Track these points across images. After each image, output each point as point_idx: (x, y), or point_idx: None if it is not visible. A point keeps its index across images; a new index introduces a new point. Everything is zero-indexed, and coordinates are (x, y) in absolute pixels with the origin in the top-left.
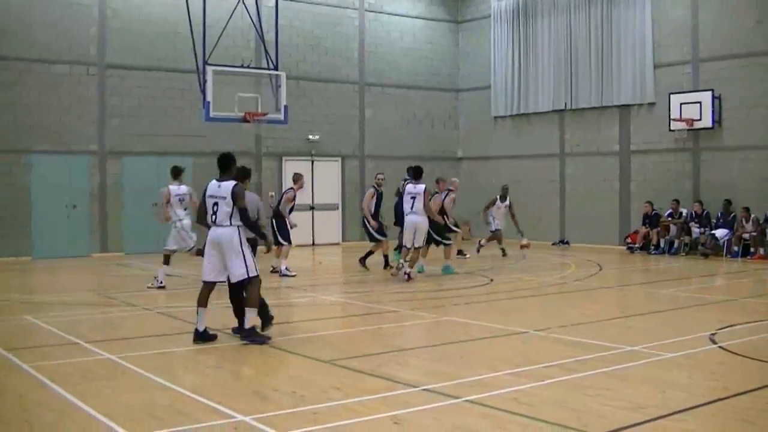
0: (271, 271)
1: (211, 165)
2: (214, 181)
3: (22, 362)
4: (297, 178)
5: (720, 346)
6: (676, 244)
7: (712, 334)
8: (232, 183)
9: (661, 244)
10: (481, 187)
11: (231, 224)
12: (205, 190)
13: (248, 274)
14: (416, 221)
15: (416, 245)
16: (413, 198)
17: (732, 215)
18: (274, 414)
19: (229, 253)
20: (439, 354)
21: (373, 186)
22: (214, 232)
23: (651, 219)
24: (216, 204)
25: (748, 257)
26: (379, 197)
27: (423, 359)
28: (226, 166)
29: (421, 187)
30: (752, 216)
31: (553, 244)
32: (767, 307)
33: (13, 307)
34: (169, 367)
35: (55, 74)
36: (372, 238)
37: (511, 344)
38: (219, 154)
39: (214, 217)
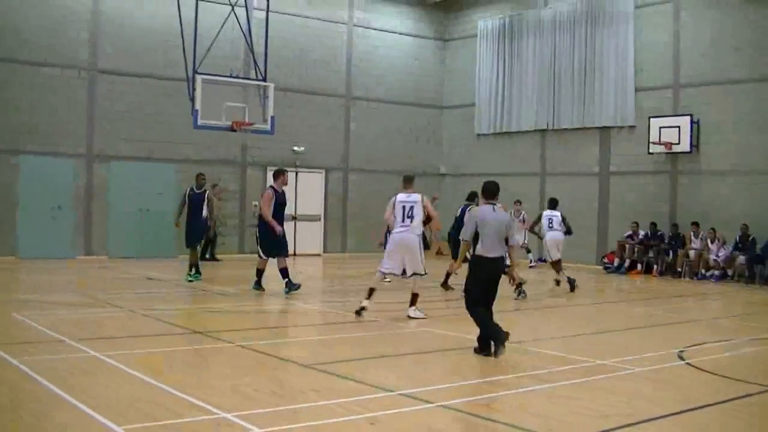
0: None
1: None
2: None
3: (10, 357)
4: (278, 174)
5: (687, 363)
6: (627, 264)
7: (681, 351)
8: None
9: (625, 263)
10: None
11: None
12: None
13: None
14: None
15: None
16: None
17: (750, 238)
18: (255, 412)
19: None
20: (415, 361)
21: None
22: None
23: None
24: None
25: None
26: None
27: (400, 366)
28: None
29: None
30: (717, 238)
31: (531, 262)
32: (735, 326)
33: (0, 304)
34: (153, 365)
35: (45, 76)
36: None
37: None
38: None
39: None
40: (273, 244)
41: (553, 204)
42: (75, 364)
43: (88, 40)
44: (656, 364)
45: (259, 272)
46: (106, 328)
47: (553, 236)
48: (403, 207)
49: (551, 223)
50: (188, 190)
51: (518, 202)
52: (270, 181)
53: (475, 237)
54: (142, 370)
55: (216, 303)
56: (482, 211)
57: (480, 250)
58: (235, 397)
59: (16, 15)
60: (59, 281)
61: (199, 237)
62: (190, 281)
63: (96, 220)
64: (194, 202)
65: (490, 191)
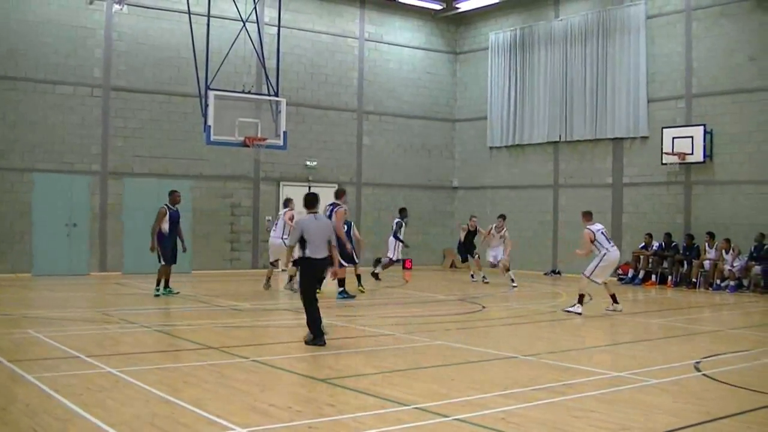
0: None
1: (211, 188)
2: None
3: (26, 373)
4: (342, 192)
5: (704, 374)
6: (642, 275)
7: (698, 363)
8: None
9: (640, 274)
10: (476, 216)
11: None
12: None
13: None
14: None
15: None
16: None
17: (766, 248)
18: (272, 427)
19: None
20: (430, 375)
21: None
22: None
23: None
24: None
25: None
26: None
27: (415, 380)
28: None
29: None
30: (732, 248)
31: (545, 273)
32: (752, 337)
33: (16, 321)
34: (169, 381)
35: (60, 95)
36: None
37: (500, 368)
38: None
39: None
40: (342, 256)
41: (591, 216)
42: (91, 380)
43: (101, 58)
44: (673, 376)
45: (341, 281)
46: (122, 344)
47: (617, 254)
48: None
49: (607, 237)
50: (165, 208)
51: (502, 217)
52: (282, 195)
53: (303, 242)
54: (158, 386)
55: (230, 318)
56: (305, 220)
57: (308, 253)
58: (252, 413)
59: (30, 35)
60: (74, 298)
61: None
62: (158, 296)
63: (110, 236)
64: (175, 219)
65: (310, 202)
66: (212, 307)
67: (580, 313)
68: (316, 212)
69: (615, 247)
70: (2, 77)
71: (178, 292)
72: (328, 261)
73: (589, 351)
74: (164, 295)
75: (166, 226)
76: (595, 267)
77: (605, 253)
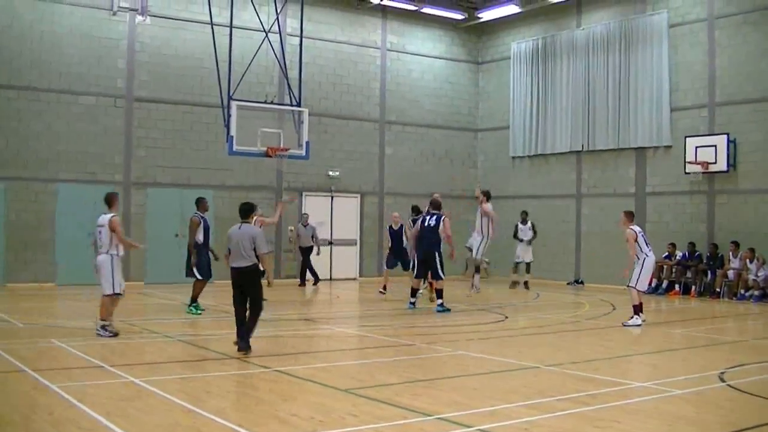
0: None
1: (233, 198)
2: None
3: (50, 382)
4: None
5: (729, 384)
6: (665, 285)
7: (722, 373)
8: None
9: (663, 284)
10: (499, 225)
11: None
12: None
13: None
14: None
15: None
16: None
17: None
18: None
19: None
20: (453, 385)
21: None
22: None
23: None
24: None
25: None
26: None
27: (438, 390)
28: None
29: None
30: (757, 258)
31: (568, 283)
32: None
33: (40, 330)
34: (192, 391)
35: (83, 105)
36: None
37: (523, 378)
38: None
39: None
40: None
41: (633, 217)
42: (114, 390)
43: (124, 69)
44: (697, 386)
45: (414, 291)
46: (145, 354)
47: (654, 259)
48: None
49: (646, 240)
50: (198, 217)
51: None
52: (304, 205)
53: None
54: (181, 396)
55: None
56: (231, 229)
57: (229, 261)
58: (275, 423)
59: (54, 45)
60: (98, 307)
61: None
62: (198, 314)
63: None
64: (207, 228)
65: (242, 211)
66: (232, 316)
67: (639, 325)
68: (247, 222)
69: (652, 252)
70: (26, 88)
71: (203, 311)
72: (250, 269)
73: (613, 361)
74: (191, 312)
75: (200, 236)
76: (639, 275)
77: (645, 258)
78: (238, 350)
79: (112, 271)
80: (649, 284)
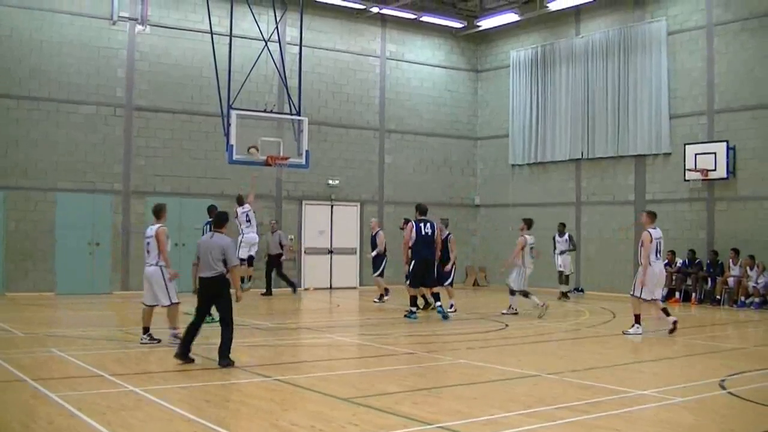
0: None
1: (232, 207)
2: None
3: (50, 392)
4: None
5: (729, 392)
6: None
7: (722, 380)
8: None
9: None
10: (498, 234)
11: None
12: None
13: None
14: None
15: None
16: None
17: None
18: None
19: None
20: (453, 394)
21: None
22: None
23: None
24: None
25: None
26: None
27: (438, 399)
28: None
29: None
30: (757, 265)
31: (568, 291)
32: None
33: (40, 339)
34: (192, 400)
35: (82, 114)
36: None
37: (524, 386)
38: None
39: None
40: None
41: (655, 218)
42: (114, 399)
43: (124, 78)
44: (698, 394)
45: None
46: (144, 363)
47: (658, 268)
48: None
49: (658, 249)
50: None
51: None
52: (304, 213)
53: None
54: (181, 405)
55: (253, 337)
56: (202, 238)
57: (198, 271)
58: None
59: (54, 55)
60: (97, 316)
61: None
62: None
63: (133, 255)
64: None
65: (215, 221)
66: (234, 325)
67: (640, 334)
68: (219, 232)
69: (659, 261)
70: (25, 97)
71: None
72: (217, 280)
73: (612, 369)
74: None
75: None
76: (644, 284)
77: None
78: (176, 357)
79: (165, 283)
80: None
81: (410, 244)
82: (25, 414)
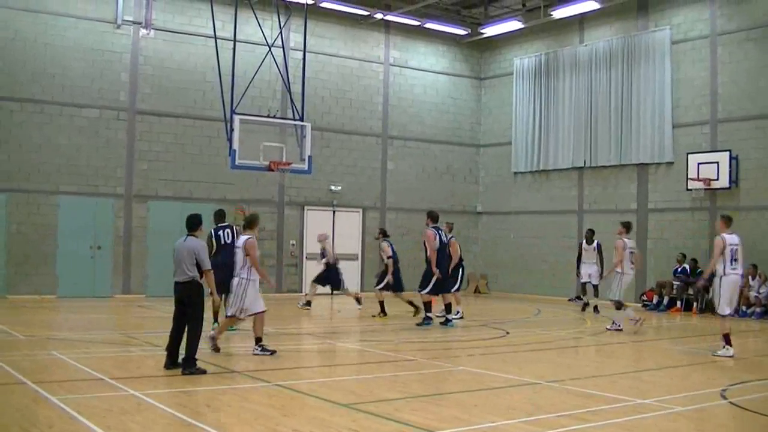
0: None
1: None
2: None
3: (50, 395)
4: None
5: (730, 402)
6: (666, 301)
7: (723, 390)
8: None
9: (665, 301)
10: (500, 241)
11: None
12: None
13: None
14: None
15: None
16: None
17: None
18: None
19: None
20: (453, 401)
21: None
22: None
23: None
24: None
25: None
26: None
27: (438, 405)
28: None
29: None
30: (759, 274)
31: (569, 299)
32: None
33: (40, 342)
34: (192, 405)
35: (85, 118)
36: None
37: (524, 394)
38: None
39: None
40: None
41: (730, 223)
42: (114, 402)
43: (127, 82)
44: (699, 403)
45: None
46: (145, 367)
47: (734, 278)
48: None
49: (734, 256)
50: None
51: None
52: (306, 219)
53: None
54: (181, 409)
55: (253, 342)
56: (177, 241)
57: (173, 275)
58: None
59: (57, 58)
60: (98, 320)
61: None
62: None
63: (134, 259)
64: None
65: (188, 224)
66: (235, 331)
67: (731, 356)
68: (193, 235)
69: (737, 270)
70: (29, 100)
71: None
72: (189, 284)
73: (613, 377)
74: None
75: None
76: (719, 297)
77: (722, 277)
78: (165, 367)
79: (240, 295)
80: (650, 300)
81: (435, 251)
82: (25, 417)
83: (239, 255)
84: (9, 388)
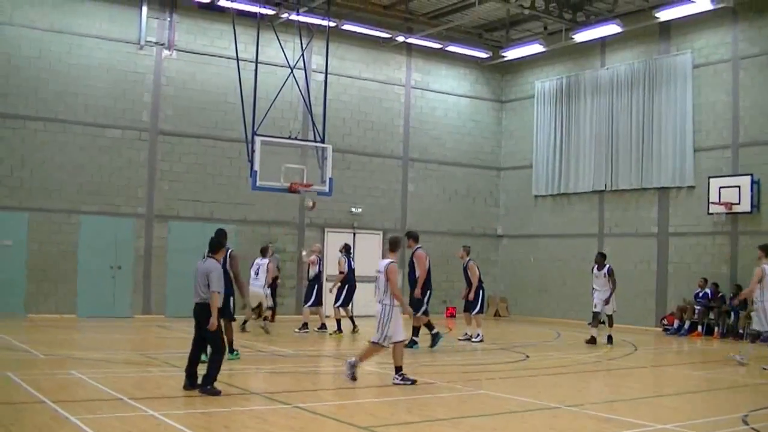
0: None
1: (255, 233)
2: None
3: (69, 414)
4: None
5: (752, 428)
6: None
7: (745, 416)
8: None
9: (686, 325)
10: (520, 264)
11: None
12: None
13: None
14: None
15: None
16: None
17: None
18: None
19: None
20: (472, 425)
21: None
22: None
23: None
24: None
25: None
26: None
27: (457, 429)
28: None
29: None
30: None
31: (589, 323)
32: None
33: (60, 362)
34: (211, 426)
35: (108, 138)
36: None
37: (543, 418)
38: None
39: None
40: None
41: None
42: (133, 423)
43: (150, 103)
44: (720, 429)
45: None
46: (164, 387)
47: None
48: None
49: None
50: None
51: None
52: (327, 241)
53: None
54: (199, 430)
55: (273, 364)
56: (198, 262)
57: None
58: None
59: (81, 78)
60: (118, 340)
61: None
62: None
63: (155, 279)
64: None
65: (210, 245)
66: (255, 352)
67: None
68: (213, 257)
69: None
70: (52, 119)
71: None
72: (204, 306)
73: (633, 402)
74: (232, 359)
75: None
76: (762, 320)
77: (762, 302)
78: (184, 388)
79: (385, 322)
80: (671, 325)
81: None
82: None
83: (381, 280)
84: (29, 406)
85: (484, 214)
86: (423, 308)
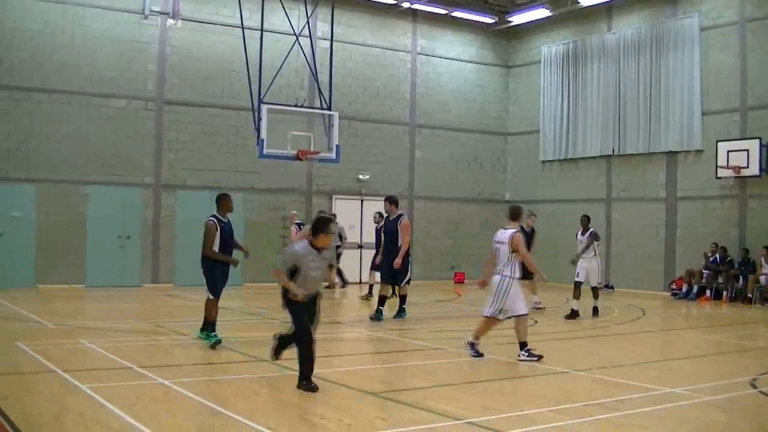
0: None
1: (263, 201)
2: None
3: (80, 383)
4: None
5: (761, 391)
6: (695, 289)
7: (753, 379)
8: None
9: (694, 289)
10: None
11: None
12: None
13: None
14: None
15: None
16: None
17: None
18: None
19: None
20: (482, 390)
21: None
22: None
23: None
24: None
25: None
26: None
27: (467, 394)
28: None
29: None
30: None
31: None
32: None
33: (69, 331)
34: (220, 393)
35: (113, 108)
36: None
37: (552, 383)
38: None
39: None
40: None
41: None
42: (142, 391)
43: (155, 72)
44: (728, 393)
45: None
46: (173, 355)
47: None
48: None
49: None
50: (214, 221)
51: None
52: (334, 208)
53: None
54: (209, 398)
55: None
56: None
57: None
58: (303, 426)
59: (85, 49)
60: (127, 309)
61: None
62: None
63: (163, 248)
64: (227, 234)
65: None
66: (264, 320)
67: None
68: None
69: None
70: (57, 91)
71: (219, 341)
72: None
73: (642, 366)
74: (203, 339)
75: (216, 246)
76: None
77: None
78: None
79: (501, 295)
80: (679, 289)
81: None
82: (55, 406)
83: (502, 250)
84: (40, 376)
85: (492, 179)
86: (407, 278)
